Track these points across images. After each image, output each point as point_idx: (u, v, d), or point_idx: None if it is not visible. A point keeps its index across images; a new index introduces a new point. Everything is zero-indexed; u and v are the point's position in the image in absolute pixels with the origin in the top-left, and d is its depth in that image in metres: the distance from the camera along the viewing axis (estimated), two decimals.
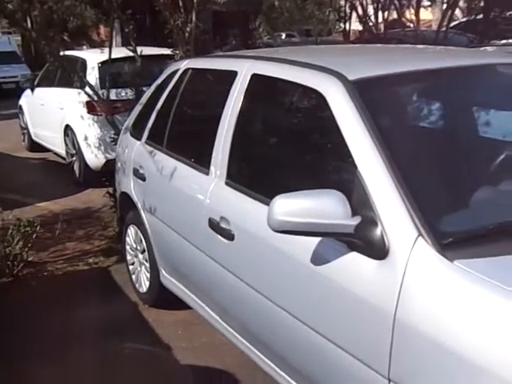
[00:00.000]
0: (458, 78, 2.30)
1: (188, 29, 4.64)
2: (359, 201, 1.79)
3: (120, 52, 5.33)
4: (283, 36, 12.51)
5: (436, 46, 3.88)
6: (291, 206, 1.76)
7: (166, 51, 5.21)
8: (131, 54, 4.78)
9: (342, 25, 9.03)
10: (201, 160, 2.68)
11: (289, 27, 8.72)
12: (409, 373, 1.61)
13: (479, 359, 1.43)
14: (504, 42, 5.64)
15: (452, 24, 8.08)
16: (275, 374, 2.27)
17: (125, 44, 5.46)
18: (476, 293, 1.50)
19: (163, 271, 3.19)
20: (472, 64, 2.39)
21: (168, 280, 3.15)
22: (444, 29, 6.26)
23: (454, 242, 1.62)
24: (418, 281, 1.60)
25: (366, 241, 1.73)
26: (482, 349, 1.44)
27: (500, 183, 1.93)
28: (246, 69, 2.54)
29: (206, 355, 2.99)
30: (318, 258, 1.89)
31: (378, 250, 1.70)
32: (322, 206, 1.73)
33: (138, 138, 3.42)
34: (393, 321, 1.62)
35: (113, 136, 4.73)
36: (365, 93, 2.01)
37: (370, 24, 7.45)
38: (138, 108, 3.66)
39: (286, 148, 2.32)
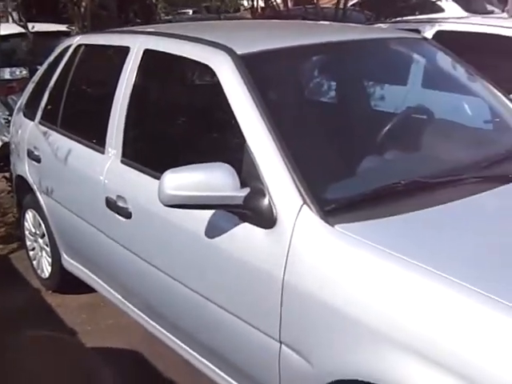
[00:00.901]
0: (344, 53, 2.40)
1: (84, 3, 4.47)
2: (248, 173, 1.84)
3: (13, 28, 5.06)
4: (190, 12, 12.31)
5: (330, 23, 3.99)
6: (180, 180, 1.77)
7: (62, 27, 5.00)
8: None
9: (245, 2, 9.02)
10: (96, 139, 2.62)
11: (187, 3, 8.53)
12: (298, 334, 1.69)
13: (362, 316, 1.53)
14: (399, 19, 5.88)
15: (352, 2, 8.32)
16: (182, 350, 2.30)
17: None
18: (354, 253, 1.59)
19: (64, 255, 3.12)
20: (358, 38, 2.49)
21: (70, 263, 3.08)
22: (343, 6, 6.43)
23: (335, 209, 1.71)
24: (303, 246, 1.68)
25: (255, 211, 1.78)
26: (363, 306, 1.53)
27: (380, 152, 2.05)
28: (138, 44, 2.51)
29: (112, 337, 2.97)
30: (212, 231, 1.93)
31: (266, 220, 1.76)
32: (211, 178, 1.76)
33: (32, 118, 3.28)
34: (281, 285, 1.69)
35: (7, 117, 4.50)
36: (253, 67, 2.05)
37: (273, 1, 7.53)
38: (30, 87, 3.51)
39: (179, 124, 2.32)
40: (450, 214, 1.74)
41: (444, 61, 2.68)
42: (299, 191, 1.73)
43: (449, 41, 4.12)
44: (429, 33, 4.60)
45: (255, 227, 1.80)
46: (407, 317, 1.45)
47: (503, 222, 1.71)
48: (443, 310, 1.41)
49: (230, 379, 2.07)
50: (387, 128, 2.11)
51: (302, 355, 1.67)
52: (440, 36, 4.51)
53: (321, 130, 2.03)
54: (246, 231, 1.82)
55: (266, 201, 1.77)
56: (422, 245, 1.59)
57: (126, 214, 2.32)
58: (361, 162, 1.94)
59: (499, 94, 2.57)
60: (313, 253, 1.66)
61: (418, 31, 4.42)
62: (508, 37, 4.27)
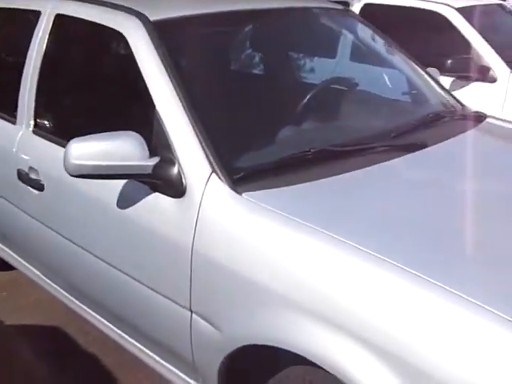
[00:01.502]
0: (266, 21, 2.38)
1: None
2: (158, 142, 1.81)
3: None
4: None
5: None
6: (86, 149, 1.72)
7: None
8: None
9: None
10: (7, 109, 2.51)
11: None
12: (207, 302, 1.70)
13: (269, 282, 1.54)
14: None
15: None
16: (102, 325, 2.26)
17: None
18: (260, 221, 1.60)
19: None
20: (280, 7, 2.47)
21: None
22: None
23: (243, 177, 1.71)
24: (212, 214, 1.67)
25: (164, 180, 1.76)
26: (270, 272, 1.55)
27: (293, 122, 2.06)
28: (49, 8, 2.40)
29: (33, 314, 2.89)
30: (124, 201, 1.89)
31: (176, 189, 1.74)
32: (118, 147, 1.72)
33: None
34: (190, 254, 1.68)
35: None
36: (166, 34, 2.00)
37: None
38: None
39: (90, 93, 2.25)
40: (355, 181, 1.77)
41: (365, 33, 2.71)
42: (208, 160, 1.72)
43: (376, 14, 4.20)
44: (357, 6, 4.65)
45: (166, 197, 1.77)
46: (312, 280, 1.48)
47: (405, 189, 1.77)
48: (340, 271, 1.45)
49: (149, 352, 2.06)
50: (301, 98, 2.11)
51: (212, 323, 1.68)
52: (368, 9, 4.57)
53: (233, 99, 2.01)
54: (156, 201, 1.80)
55: (175, 170, 1.74)
56: (324, 210, 1.62)
57: (39, 187, 2.24)
58: (272, 131, 1.95)
59: (417, 67, 2.63)
60: (221, 221, 1.66)
61: (346, 4, 4.45)
62: (432, 11, 4.37)
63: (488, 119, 2.37)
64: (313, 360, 1.47)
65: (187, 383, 1.91)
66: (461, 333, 1.28)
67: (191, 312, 1.74)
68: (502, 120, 2.49)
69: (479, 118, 2.34)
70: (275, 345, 1.52)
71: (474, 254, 1.48)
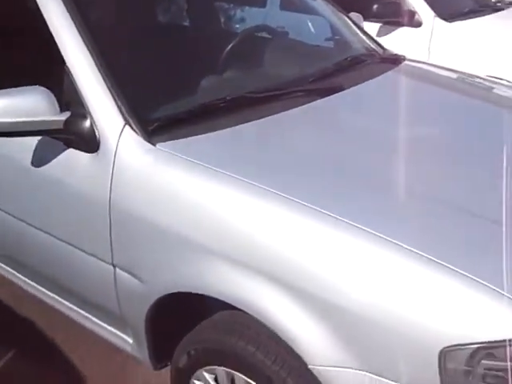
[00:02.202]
0: None
1: None
2: (69, 96, 1.75)
3: None
4: None
5: None
6: None
7: None
8: None
9: None
10: None
11: None
12: (128, 255, 1.70)
13: (186, 231, 1.55)
14: None
15: None
16: (30, 287, 2.23)
17: None
18: (174, 171, 1.59)
19: None
20: None
21: None
22: None
23: (157, 128, 1.69)
24: (127, 167, 1.65)
25: (77, 135, 1.71)
26: (187, 221, 1.55)
27: (209, 71, 2.02)
28: None
29: None
30: (39, 160, 1.83)
31: (89, 143, 1.70)
32: (27, 103, 1.65)
33: None
34: (108, 208, 1.66)
35: None
36: None
37: None
38: None
39: None
40: (271, 126, 1.78)
41: None
42: (121, 111, 1.68)
43: None
44: None
45: (80, 152, 1.73)
46: (227, 226, 1.50)
47: (319, 131, 1.79)
48: (253, 214, 1.47)
49: (79, 310, 2.05)
50: (218, 47, 2.09)
51: (135, 275, 1.68)
52: None
53: (145, 49, 1.96)
54: (71, 157, 1.75)
55: (87, 123, 1.70)
56: (239, 156, 1.63)
57: None
58: (187, 80, 1.92)
59: (339, 13, 2.63)
60: (137, 173, 1.64)
61: None
62: None
63: (406, 61, 2.41)
64: (234, 304, 1.51)
65: (118, 337, 1.92)
66: (371, 265, 1.33)
67: (114, 266, 1.73)
68: (420, 62, 2.53)
69: (397, 60, 2.38)
70: (197, 292, 1.55)
71: (379, 188, 1.54)
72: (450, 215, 1.47)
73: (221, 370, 1.62)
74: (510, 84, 2.79)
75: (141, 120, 1.68)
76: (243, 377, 1.57)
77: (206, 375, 1.67)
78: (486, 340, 1.20)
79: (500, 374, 1.21)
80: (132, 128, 1.66)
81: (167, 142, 1.64)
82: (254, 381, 1.54)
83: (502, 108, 2.28)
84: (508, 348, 1.19)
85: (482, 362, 1.22)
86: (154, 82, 1.85)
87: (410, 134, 1.83)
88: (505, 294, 1.22)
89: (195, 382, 1.71)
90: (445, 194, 1.55)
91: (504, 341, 1.20)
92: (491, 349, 1.21)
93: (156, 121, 1.70)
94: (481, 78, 2.60)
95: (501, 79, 2.94)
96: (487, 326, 1.22)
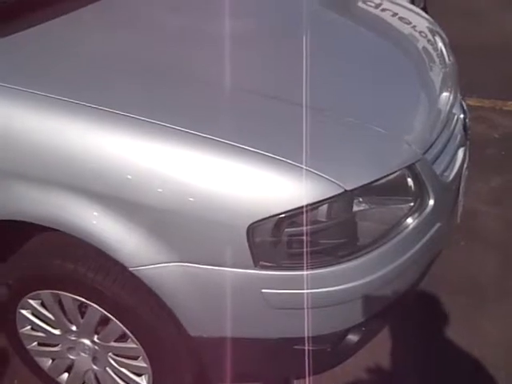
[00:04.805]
0: None
1: None
2: None
3: None
4: None
5: None
6: None
7: None
8: None
9: None
10: None
11: None
12: None
13: None
14: None
15: None
16: None
17: None
18: None
19: None
20: None
21: None
22: None
23: None
24: None
25: None
26: None
27: None
28: None
29: None
30: None
31: None
32: None
33: None
34: None
35: None
36: None
37: None
38: None
39: None
40: (50, 29, 1.63)
41: None
42: None
43: None
44: None
45: None
46: (15, 142, 1.39)
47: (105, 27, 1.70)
48: (39, 124, 1.38)
49: None
50: None
51: None
52: None
53: None
54: None
55: None
56: (17, 66, 1.50)
57: None
58: None
59: None
60: None
61: None
62: None
63: None
64: (43, 224, 1.44)
65: None
66: (165, 157, 1.33)
67: None
68: None
69: None
70: (1, 218, 1.45)
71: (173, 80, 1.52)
72: (248, 100, 1.50)
73: (46, 294, 1.58)
74: None
75: None
76: (69, 295, 1.54)
77: (32, 302, 1.61)
78: (285, 210, 1.28)
79: (301, 238, 1.31)
80: None
81: None
82: (80, 296, 1.52)
83: None
84: (305, 213, 1.29)
85: (286, 230, 1.31)
86: None
87: (210, 26, 1.81)
88: (296, 164, 1.29)
89: (22, 311, 1.64)
90: (244, 82, 1.57)
91: (302, 207, 1.29)
92: (292, 217, 1.30)
93: None
94: None
95: None
96: (286, 197, 1.29)
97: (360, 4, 2.45)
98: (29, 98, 1.41)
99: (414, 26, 2.20)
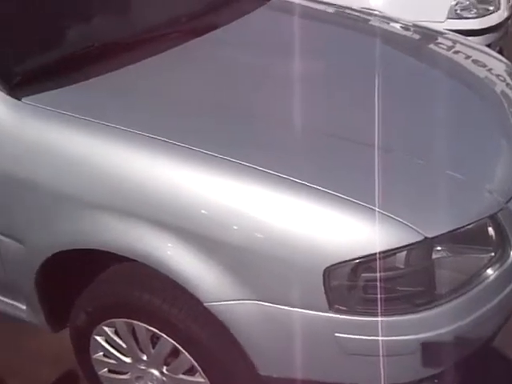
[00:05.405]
0: None
1: None
2: None
3: None
4: None
5: None
6: None
7: None
8: None
9: None
10: None
11: None
12: (6, 219, 1.62)
13: (62, 187, 1.50)
14: None
15: None
16: None
17: None
18: (44, 125, 1.52)
19: None
20: None
21: None
22: None
23: (22, 81, 1.59)
24: None
25: None
26: (61, 177, 1.50)
27: (72, 19, 1.90)
28: None
29: None
30: None
31: None
32: None
33: None
34: None
35: None
36: None
37: None
38: None
39: None
40: (145, 70, 1.73)
41: None
42: None
43: None
44: None
45: None
46: (103, 175, 1.46)
47: (198, 74, 1.77)
48: (125, 161, 1.45)
49: None
50: None
51: (16, 238, 1.61)
52: None
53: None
54: None
55: None
56: (109, 104, 1.58)
57: None
58: (48, 29, 1.79)
59: None
60: (4, 131, 1.53)
61: None
62: None
63: None
64: (123, 254, 1.49)
65: (10, 306, 1.83)
66: (247, 197, 1.36)
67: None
68: None
69: None
70: (81, 247, 1.51)
71: (253, 121, 1.57)
72: (325, 143, 1.53)
73: (120, 322, 1.61)
74: (382, 15, 2.88)
75: (2, 75, 1.57)
76: (143, 325, 1.57)
77: (106, 329, 1.65)
78: (363, 254, 1.28)
79: (378, 283, 1.30)
80: None
81: (33, 96, 1.55)
82: (154, 327, 1.55)
83: (376, 38, 2.35)
84: (383, 259, 1.28)
85: (362, 275, 1.30)
86: (14, 34, 1.71)
87: (288, 69, 1.85)
88: (376, 209, 1.29)
89: (96, 337, 1.69)
90: (319, 123, 1.59)
91: (380, 253, 1.28)
92: (369, 262, 1.29)
93: (19, 74, 1.60)
94: (354, 10, 2.65)
95: (373, 10, 3.03)
96: (363, 241, 1.29)
97: (432, 46, 2.45)
98: (114, 134, 1.48)
99: (491, 69, 2.17)
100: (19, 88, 1.57)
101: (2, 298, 1.86)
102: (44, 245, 1.56)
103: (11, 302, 1.84)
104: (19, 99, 1.54)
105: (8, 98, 1.54)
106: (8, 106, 1.54)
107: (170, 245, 1.41)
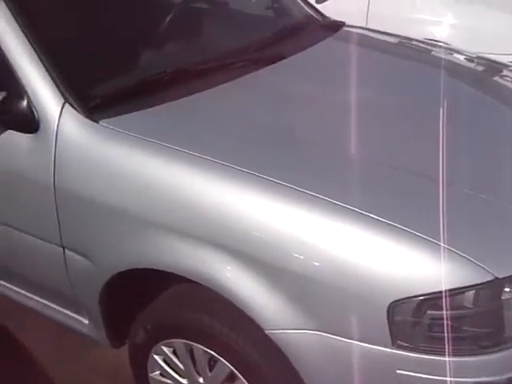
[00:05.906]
0: None
1: None
2: (3, 76, 1.69)
3: None
4: None
5: None
6: None
7: None
8: None
9: None
10: None
11: None
12: (76, 235, 1.68)
13: (132, 208, 1.54)
14: None
15: None
16: None
17: None
18: (119, 147, 1.58)
19: None
20: None
21: None
22: None
23: (99, 104, 1.66)
24: (70, 146, 1.62)
25: (15, 115, 1.66)
26: (132, 198, 1.54)
27: (145, 45, 1.98)
28: None
29: None
30: None
31: (28, 123, 1.65)
32: None
33: None
34: (53, 190, 1.63)
35: None
36: None
37: None
38: None
39: None
40: (215, 98, 1.77)
41: None
42: (59, 89, 1.63)
43: None
44: None
45: (20, 133, 1.68)
46: (173, 199, 1.50)
47: (265, 102, 1.80)
48: (196, 186, 1.48)
49: (32, 296, 2.01)
50: (154, 20, 2.05)
51: (85, 255, 1.67)
52: None
53: (81, 24, 1.90)
54: (11, 139, 1.70)
55: (24, 103, 1.64)
56: (183, 130, 1.63)
57: None
58: (125, 55, 1.88)
59: None
60: (80, 152, 1.61)
61: None
62: None
63: (345, 28, 2.43)
64: (188, 276, 1.52)
65: (73, 319, 1.90)
66: (316, 228, 1.37)
67: (63, 248, 1.71)
68: (358, 27, 2.56)
69: (336, 26, 2.39)
70: (148, 267, 1.55)
71: (323, 152, 1.59)
72: (389, 175, 1.53)
73: (179, 343, 1.64)
74: (447, 46, 2.86)
75: (81, 97, 1.65)
76: (201, 347, 1.59)
77: (165, 349, 1.68)
78: (430, 291, 1.26)
79: (444, 322, 1.28)
80: (72, 106, 1.62)
81: (110, 119, 1.61)
82: (212, 350, 1.57)
83: (440, 69, 2.34)
84: (447, 297, 1.25)
85: (428, 312, 1.28)
86: (92, 59, 1.80)
87: (353, 99, 1.86)
88: (442, 244, 1.27)
89: (154, 356, 1.72)
90: (383, 155, 1.60)
91: (447, 291, 1.26)
92: (435, 299, 1.27)
93: (97, 97, 1.68)
94: (419, 41, 2.65)
95: (438, 41, 3.02)
96: (430, 277, 1.27)
97: (497, 78, 2.42)
98: (182, 158, 1.52)
99: None
100: (96, 111, 1.64)
101: (65, 311, 1.93)
102: (110, 263, 1.61)
103: (74, 315, 1.91)
104: (96, 122, 1.61)
105: (86, 120, 1.61)
106: (86, 128, 1.61)
107: (226, 267, 1.43)
